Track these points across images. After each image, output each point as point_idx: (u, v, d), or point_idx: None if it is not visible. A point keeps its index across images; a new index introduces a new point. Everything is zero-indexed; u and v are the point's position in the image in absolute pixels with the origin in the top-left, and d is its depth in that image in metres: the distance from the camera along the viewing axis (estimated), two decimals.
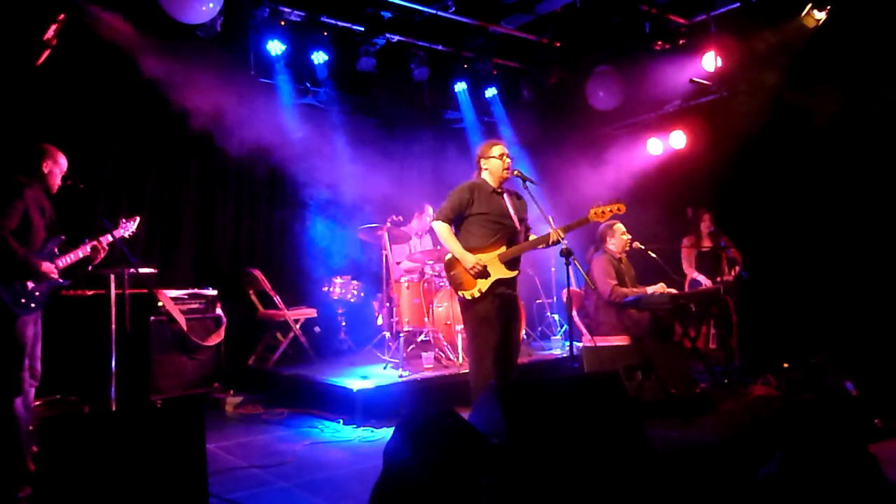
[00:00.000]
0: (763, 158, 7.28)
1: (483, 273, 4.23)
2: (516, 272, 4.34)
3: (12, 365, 3.79)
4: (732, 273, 6.93)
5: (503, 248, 4.29)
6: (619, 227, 5.84)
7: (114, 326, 4.67)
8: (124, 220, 4.50)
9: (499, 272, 4.25)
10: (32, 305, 3.89)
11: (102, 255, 4.31)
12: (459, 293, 4.33)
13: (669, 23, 6.79)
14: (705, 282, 6.87)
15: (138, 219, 4.57)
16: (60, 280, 4.06)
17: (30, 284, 3.89)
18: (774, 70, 6.73)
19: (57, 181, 4.14)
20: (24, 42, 5.21)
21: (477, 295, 4.23)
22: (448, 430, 1.79)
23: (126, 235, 4.49)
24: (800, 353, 6.11)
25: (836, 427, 2.07)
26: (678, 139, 8.06)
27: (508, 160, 4.43)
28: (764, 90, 6.93)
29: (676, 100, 7.98)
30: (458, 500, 1.68)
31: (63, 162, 4.18)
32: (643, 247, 5.89)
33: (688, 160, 8.01)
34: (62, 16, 5.06)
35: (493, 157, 4.42)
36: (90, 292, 5.28)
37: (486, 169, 4.45)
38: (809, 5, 6.25)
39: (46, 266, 3.94)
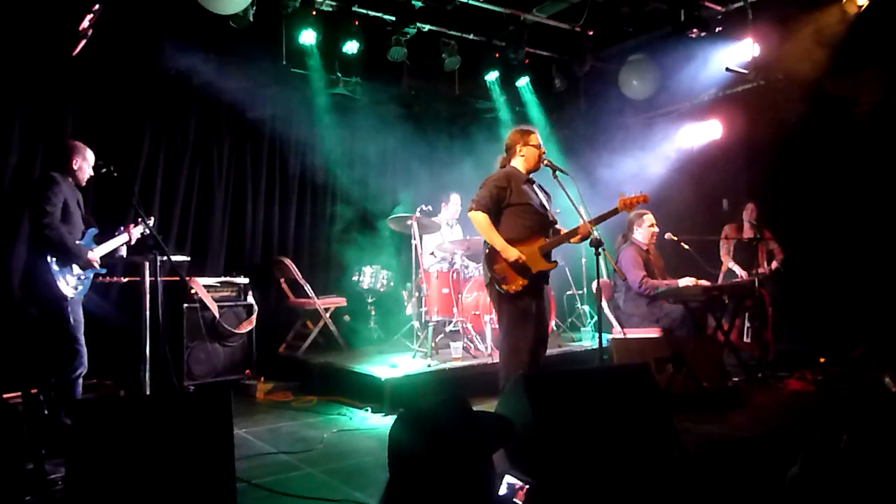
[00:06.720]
0: (802, 148, 7.10)
1: (526, 267, 4.11)
2: (554, 263, 4.26)
3: (70, 342, 4.09)
4: (771, 266, 6.81)
5: (542, 241, 4.20)
6: (649, 217, 5.75)
7: (148, 313, 4.74)
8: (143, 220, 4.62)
9: (540, 265, 4.14)
10: (80, 289, 4.19)
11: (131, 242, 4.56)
12: (503, 287, 4.12)
13: (705, 10, 6.64)
14: (741, 273, 6.76)
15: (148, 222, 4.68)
16: (100, 268, 4.31)
17: (77, 270, 4.13)
18: (814, 58, 6.54)
19: (85, 175, 4.38)
20: (60, 33, 5.32)
21: (520, 290, 4.10)
22: (450, 415, 1.76)
23: (146, 232, 4.61)
24: (837, 347, 5.96)
25: (873, 424, 1.99)
26: (714, 129, 7.91)
27: (543, 149, 4.37)
28: (803, 78, 6.74)
29: (712, 89, 7.83)
30: (468, 484, 1.65)
31: (91, 157, 4.39)
32: (675, 238, 5.80)
33: (724, 150, 7.86)
34: (97, 6, 5.14)
35: (532, 145, 4.32)
36: (125, 279, 5.40)
37: (522, 156, 4.33)
38: None
39: (92, 255, 4.21)
